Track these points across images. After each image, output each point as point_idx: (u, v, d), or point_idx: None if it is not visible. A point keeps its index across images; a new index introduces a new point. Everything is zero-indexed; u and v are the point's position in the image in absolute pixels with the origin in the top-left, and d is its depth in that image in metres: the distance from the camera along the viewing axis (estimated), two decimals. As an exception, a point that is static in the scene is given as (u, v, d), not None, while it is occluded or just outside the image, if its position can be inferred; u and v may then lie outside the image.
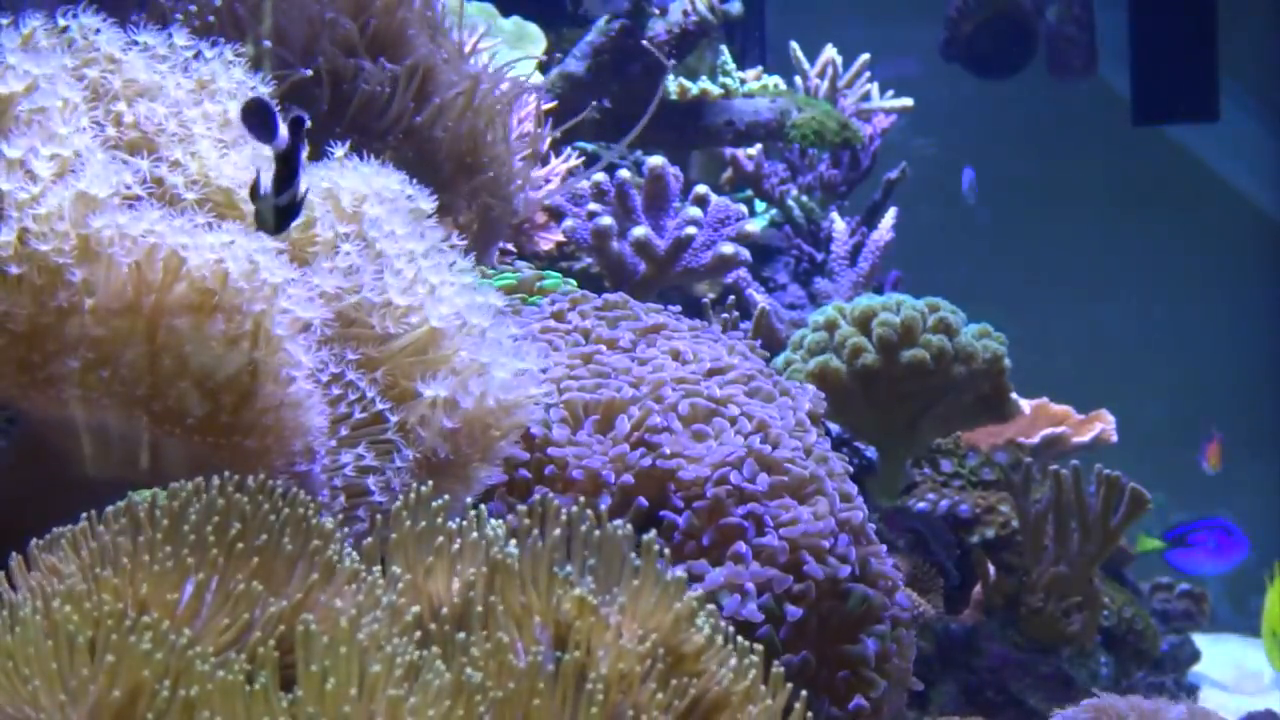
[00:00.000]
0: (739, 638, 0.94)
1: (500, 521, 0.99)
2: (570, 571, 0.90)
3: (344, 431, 1.20)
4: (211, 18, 1.63)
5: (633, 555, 0.94)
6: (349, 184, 1.27)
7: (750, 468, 1.44)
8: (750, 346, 1.74)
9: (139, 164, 1.13)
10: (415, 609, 0.89)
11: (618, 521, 0.97)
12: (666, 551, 1.36)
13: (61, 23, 1.20)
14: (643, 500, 1.41)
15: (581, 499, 1.36)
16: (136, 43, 1.24)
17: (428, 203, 1.32)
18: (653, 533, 0.97)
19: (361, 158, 1.32)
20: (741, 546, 1.38)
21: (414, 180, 1.33)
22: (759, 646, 0.93)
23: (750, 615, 1.35)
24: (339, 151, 1.31)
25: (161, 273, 1.05)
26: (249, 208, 1.20)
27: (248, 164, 1.21)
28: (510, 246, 2.36)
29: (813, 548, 1.41)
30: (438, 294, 1.24)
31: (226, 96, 1.26)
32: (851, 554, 1.46)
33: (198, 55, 1.27)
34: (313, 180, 1.25)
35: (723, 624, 0.95)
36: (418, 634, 0.87)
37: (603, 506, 1.38)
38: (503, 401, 1.25)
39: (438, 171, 1.84)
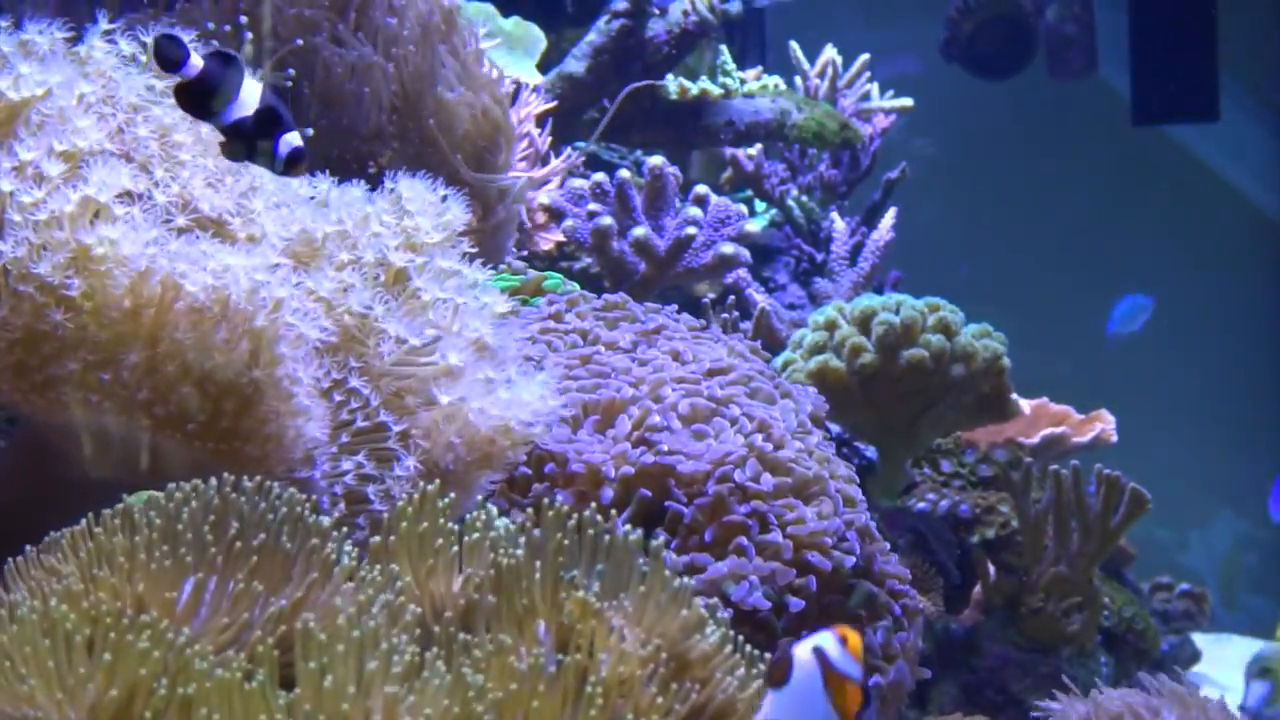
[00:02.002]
0: (747, 646, 0.94)
1: (507, 521, 0.99)
2: (575, 575, 0.90)
3: (345, 439, 1.19)
4: (211, 24, 1.63)
5: (641, 560, 0.93)
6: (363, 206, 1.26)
7: (753, 467, 1.44)
8: (751, 348, 1.74)
9: (122, 170, 1.12)
10: (414, 609, 0.89)
11: (625, 526, 0.97)
12: (671, 554, 1.36)
13: (70, 34, 1.20)
14: (645, 491, 1.40)
15: (585, 496, 1.37)
16: (141, 54, 1.23)
17: (460, 212, 1.30)
18: (662, 538, 0.96)
19: (360, 160, 1.31)
20: (744, 540, 1.38)
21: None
22: (768, 655, 0.93)
23: (757, 603, 1.34)
24: (390, 184, 1.29)
25: (160, 289, 1.04)
26: (244, 234, 1.19)
27: (244, 191, 1.20)
28: (510, 246, 2.36)
29: (817, 545, 1.41)
30: (461, 318, 1.22)
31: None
32: (857, 548, 1.46)
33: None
34: (330, 193, 1.24)
35: (731, 633, 0.94)
36: (418, 633, 0.87)
37: (605, 499, 1.37)
38: (526, 429, 1.24)
39: (436, 174, 1.83)
